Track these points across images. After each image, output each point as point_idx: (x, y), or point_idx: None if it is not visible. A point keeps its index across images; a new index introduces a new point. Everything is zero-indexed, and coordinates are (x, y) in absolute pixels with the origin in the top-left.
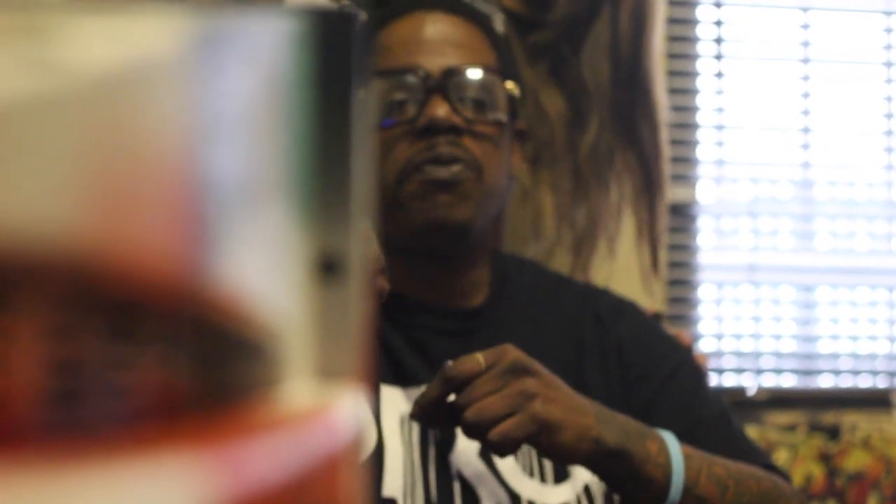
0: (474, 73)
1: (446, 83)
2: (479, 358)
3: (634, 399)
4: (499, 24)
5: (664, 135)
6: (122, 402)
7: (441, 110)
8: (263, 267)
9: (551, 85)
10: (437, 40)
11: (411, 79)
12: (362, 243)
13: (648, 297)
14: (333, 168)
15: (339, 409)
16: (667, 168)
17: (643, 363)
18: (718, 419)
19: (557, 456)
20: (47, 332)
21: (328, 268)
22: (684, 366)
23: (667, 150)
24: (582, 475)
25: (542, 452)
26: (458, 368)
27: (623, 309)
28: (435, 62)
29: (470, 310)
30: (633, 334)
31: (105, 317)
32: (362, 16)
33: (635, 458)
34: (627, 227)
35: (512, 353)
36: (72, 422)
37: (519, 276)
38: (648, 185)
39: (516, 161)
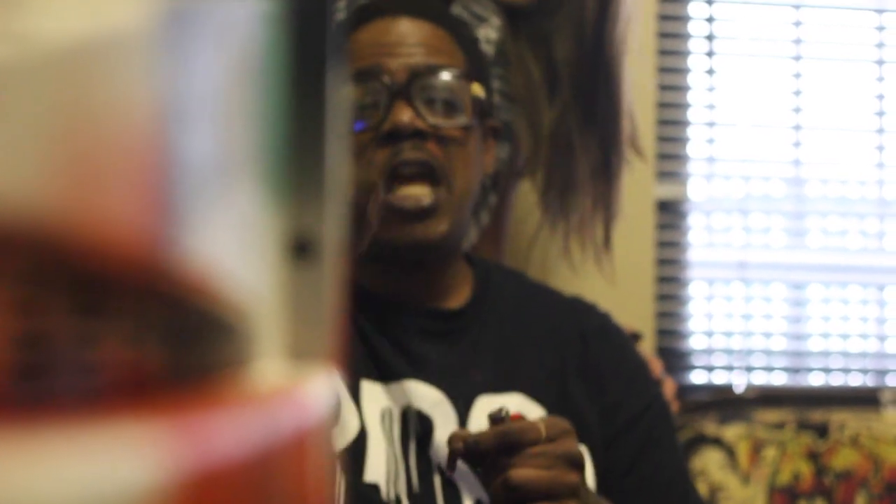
0: (438, 76)
1: (410, 87)
2: (541, 428)
3: (603, 428)
4: (493, 31)
5: (627, 117)
6: (88, 377)
7: (405, 115)
8: (235, 246)
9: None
10: (401, 44)
11: (375, 83)
12: (336, 225)
13: (599, 273)
14: (307, 149)
15: (309, 389)
16: (627, 149)
17: (616, 393)
18: (672, 465)
19: None
20: (13, 306)
21: (301, 249)
22: (654, 404)
23: (628, 131)
24: None
25: None
26: (519, 435)
27: (607, 331)
28: (398, 65)
29: (451, 311)
30: (612, 360)
31: (72, 292)
32: None
33: None
34: (582, 206)
35: (571, 440)
36: (37, 395)
37: (502, 283)
38: (606, 166)
39: (489, 160)
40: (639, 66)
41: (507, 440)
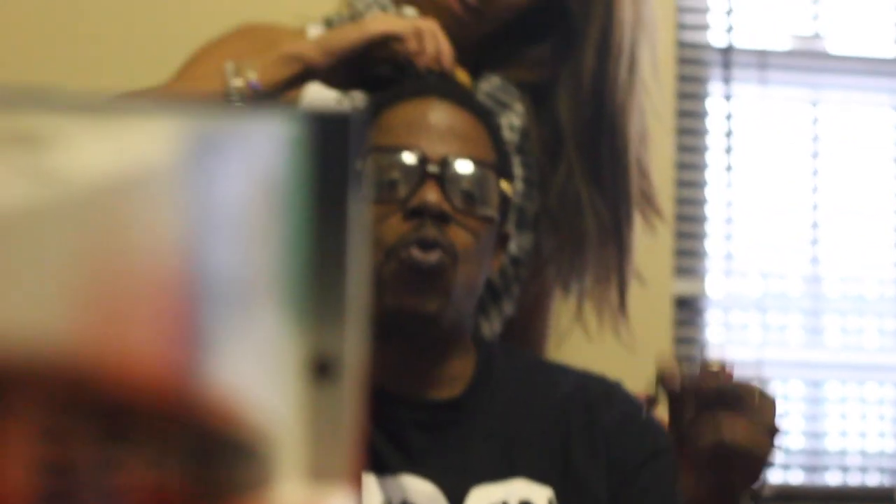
0: (471, 166)
1: (443, 170)
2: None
3: (609, 484)
4: (516, 117)
5: (638, 177)
6: (113, 503)
7: (432, 195)
8: (257, 368)
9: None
10: (440, 128)
11: (409, 160)
12: (357, 345)
13: (616, 337)
14: (329, 270)
15: None
16: (636, 208)
17: (620, 448)
18: None
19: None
20: (40, 435)
21: (322, 369)
22: (661, 456)
23: (641, 188)
24: None
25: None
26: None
27: (612, 395)
28: (435, 148)
29: (447, 401)
30: (616, 421)
31: (97, 419)
32: (360, 117)
33: None
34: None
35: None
36: None
37: (506, 366)
38: (616, 224)
39: (496, 265)
40: (656, 161)
41: (728, 392)
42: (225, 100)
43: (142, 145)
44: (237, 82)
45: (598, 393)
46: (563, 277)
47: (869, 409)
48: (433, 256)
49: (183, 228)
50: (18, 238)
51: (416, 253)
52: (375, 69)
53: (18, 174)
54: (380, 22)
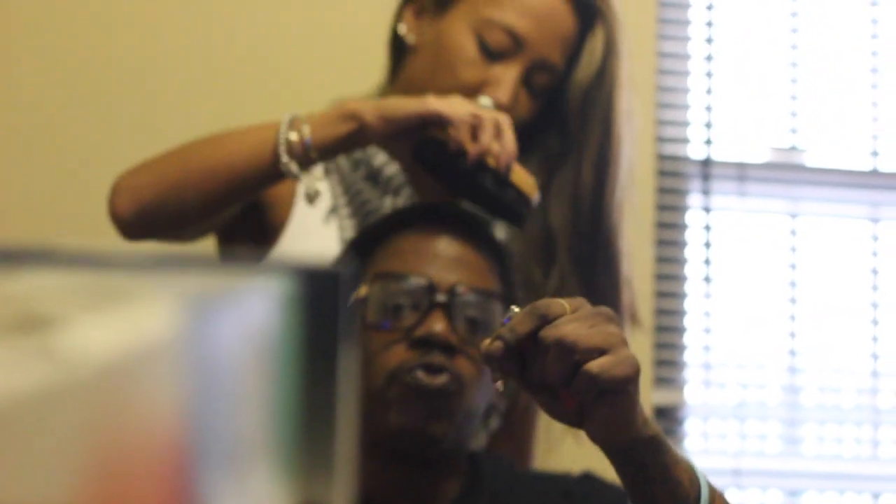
0: (478, 297)
1: (450, 300)
2: (564, 303)
3: None
4: (498, 232)
5: (625, 289)
6: None
7: (440, 325)
8: None
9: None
10: (449, 257)
11: (417, 288)
12: (344, 491)
13: None
14: (318, 422)
15: None
16: (629, 323)
17: None
18: None
19: (610, 424)
20: None
21: None
22: None
23: (628, 301)
24: None
25: (596, 413)
26: (547, 308)
27: (591, 479)
28: (443, 277)
29: None
30: (598, 498)
31: None
32: (348, 272)
33: (668, 454)
34: None
35: (594, 306)
36: None
37: (493, 476)
38: None
39: (495, 389)
40: (636, 272)
41: (537, 313)
42: (275, 153)
43: (141, 320)
44: (292, 136)
45: (575, 479)
46: None
47: None
48: (440, 380)
49: (181, 397)
50: (28, 419)
51: (422, 376)
52: (427, 148)
53: (28, 357)
54: (440, 102)
